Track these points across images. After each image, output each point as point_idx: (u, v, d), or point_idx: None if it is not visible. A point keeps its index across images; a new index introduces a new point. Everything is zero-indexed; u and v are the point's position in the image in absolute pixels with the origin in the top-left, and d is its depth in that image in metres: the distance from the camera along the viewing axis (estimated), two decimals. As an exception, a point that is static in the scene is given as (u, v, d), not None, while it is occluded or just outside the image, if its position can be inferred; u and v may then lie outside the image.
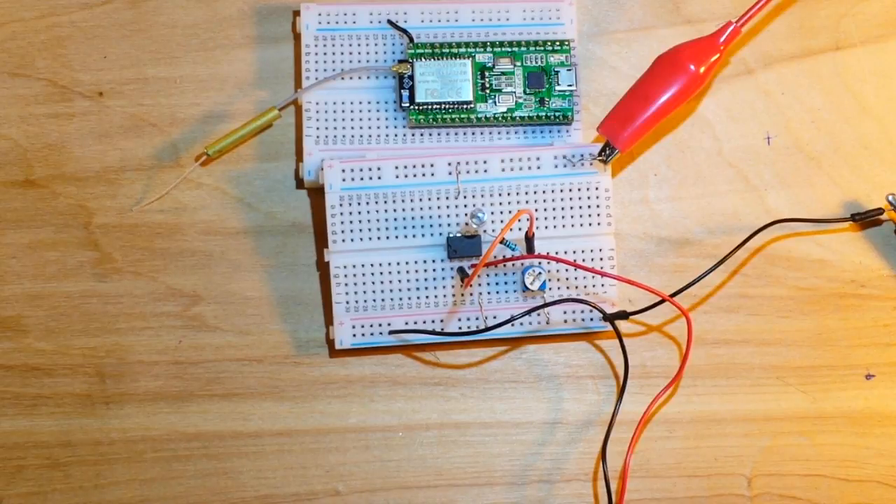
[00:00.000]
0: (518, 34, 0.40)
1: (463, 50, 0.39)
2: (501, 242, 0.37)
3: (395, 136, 0.40)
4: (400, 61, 0.39)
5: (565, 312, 0.39)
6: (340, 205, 0.38)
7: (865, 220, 0.40)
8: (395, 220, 0.38)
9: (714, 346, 0.40)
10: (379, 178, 0.38)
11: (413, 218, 0.38)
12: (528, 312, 0.38)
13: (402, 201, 0.38)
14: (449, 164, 0.38)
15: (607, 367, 0.40)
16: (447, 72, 0.39)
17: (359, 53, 0.40)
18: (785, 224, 0.40)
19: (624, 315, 0.38)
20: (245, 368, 0.40)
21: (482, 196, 0.39)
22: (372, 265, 0.38)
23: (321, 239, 0.40)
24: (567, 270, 0.39)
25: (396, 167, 0.38)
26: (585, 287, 0.39)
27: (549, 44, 0.40)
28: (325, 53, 0.40)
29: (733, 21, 0.38)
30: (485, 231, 0.38)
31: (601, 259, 0.39)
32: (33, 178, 0.40)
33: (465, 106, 0.39)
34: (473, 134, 0.40)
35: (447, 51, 0.39)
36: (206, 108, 0.41)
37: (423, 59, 0.39)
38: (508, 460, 0.40)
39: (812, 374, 0.40)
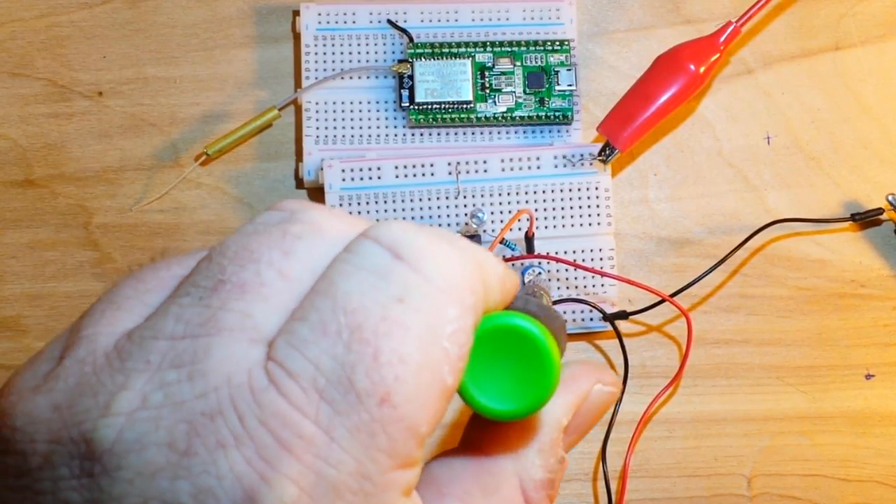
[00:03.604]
0: (518, 34, 0.40)
1: (463, 50, 0.39)
2: (501, 242, 0.37)
3: (395, 135, 0.40)
4: (400, 61, 0.39)
5: (565, 312, 0.39)
6: (340, 205, 0.38)
7: (865, 220, 0.40)
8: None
9: (714, 346, 0.40)
10: (379, 178, 0.38)
11: (413, 218, 0.38)
12: (528, 312, 0.38)
13: (402, 201, 0.38)
14: (449, 164, 0.38)
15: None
16: (447, 72, 0.39)
17: (358, 53, 0.40)
18: (785, 224, 0.40)
19: (624, 315, 0.38)
20: (245, 368, 0.40)
21: (482, 196, 0.39)
22: (372, 265, 0.38)
23: (321, 239, 0.40)
24: (567, 270, 0.39)
25: (396, 167, 0.38)
26: (585, 287, 0.39)
27: (548, 44, 0.40)
28: (324, 53, 0.40)
29: (733, 21, 0.38)
30: (485, 231, 0.38)
31: (601, 259, 0.39)
32: (33, 177, 0.40)
33: (464, 106, 0.39)
34: (473, 134, 0.40)
35: (447, 51, 0.39)
36: (205, 107, 0.41)
37: (423, 59, 0.39)
38: (508, 460, 0.40)
39: (812, 374, 0.40)
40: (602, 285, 0.39)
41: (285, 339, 0.17)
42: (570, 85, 0.39)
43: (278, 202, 0.19)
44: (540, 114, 0.39)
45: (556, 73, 0.40)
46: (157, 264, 0.19)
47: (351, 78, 0.40)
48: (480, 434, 0.22)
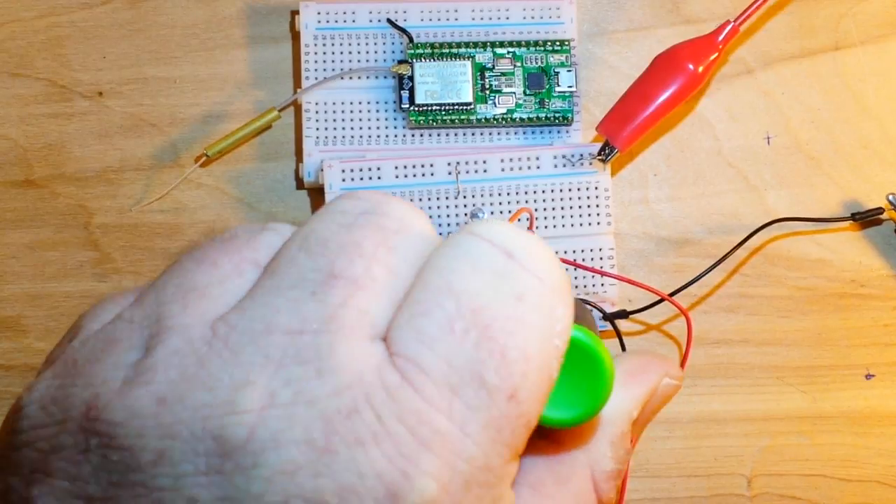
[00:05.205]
0: (518, 33, 0.40)
1: (463, 50, 0.39)
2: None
3: (395, 136, 0.40)
4: (400, 62, 0.39)
5: (565, 312, 0.39)
6: (340, 205, 0.38)
7: (865, 219, 0.40)
8: (395, 220, 0.38)
9: (714, 345, 0.40)
10: (379, 178, 0.38)
11: (413, 218, 0.38)
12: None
13: (402, 201, 0.38)
14: (448, 164, 0.38)
15: (607, 367, 0.40)
16: (447, 73, 0.39)
17: (358, 53, 0.40)
18: (784, 223, 0.40)
19: (624, 314, 0.38)
20: (245, 368, 0.40)
21: (482, 196, 0.39)
22: (372, 265, 0.38)
23: (321, 239, 0.40)
24: (567, 270, 0.39)
25: (396, 167, 0.38)
26: (585, 287, 0.39)
27: (549, 44, 0.40)
28: (324, 53, 0.40)
29: (731, 20, 0.38)
30: (484, 231, 0.38)
31: (601, 259, 0.39)
32: (33, 178, 0.40)
33: (464, 107, 0.39)
34: (473, 134, 0.40)
35: (447, 51, 0.39)
36: (205, 108, 0.41)
37: (423, 60, 0.39)
38: (508, 460, 0.40)
39: (812, 374, 0.40)
40: (602, 285, 0.39)
41: (412, 336, 0.17)
42: (570, 86, 0.39)
43: (350, 192, 0.19)
44: (540, 115, 0.39)
45: (557, 73, 0.39)
46: (225, 245, 0.19)
47: (351, 78, 0.40)
48: None
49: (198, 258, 0.19)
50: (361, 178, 0.38)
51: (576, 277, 0.39)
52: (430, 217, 0.38)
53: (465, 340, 0.17)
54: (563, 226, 0.39)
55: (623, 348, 0.38)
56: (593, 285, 0.39)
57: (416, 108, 0.39)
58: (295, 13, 0.40)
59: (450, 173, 0.38)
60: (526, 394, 0.17)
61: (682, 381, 0.24)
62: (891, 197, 0.40)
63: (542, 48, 0.40)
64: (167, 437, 0.16)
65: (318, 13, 0.40)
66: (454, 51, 0.39)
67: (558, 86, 0.39)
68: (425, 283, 0.18)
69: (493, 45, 0.40)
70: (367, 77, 0.40)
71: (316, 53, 0.39)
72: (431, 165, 0.38)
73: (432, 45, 0.39)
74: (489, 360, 0.17)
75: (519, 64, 0.40)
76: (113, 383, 0.17)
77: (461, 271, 0.18)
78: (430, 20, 0.40)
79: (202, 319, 0.17)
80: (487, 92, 0.39)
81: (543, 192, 0.39)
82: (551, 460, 0.21)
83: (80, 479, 0.16)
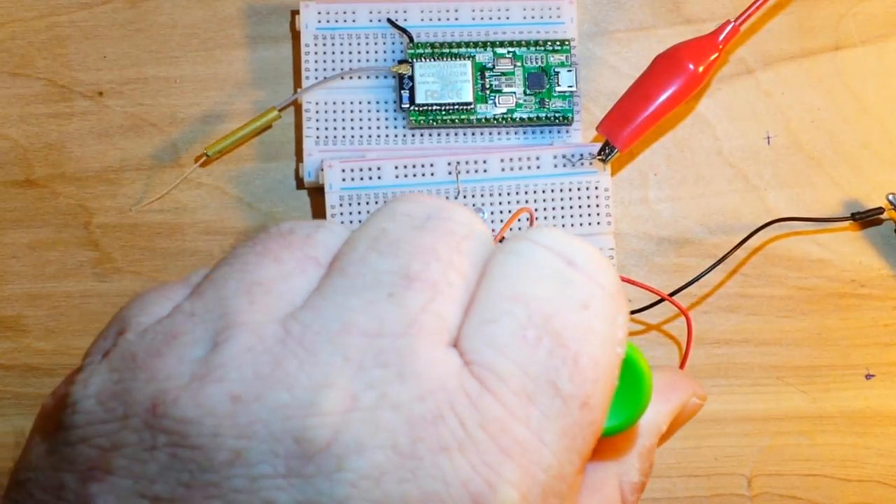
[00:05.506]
0: (518, 33, 0.40)
1: (463, 50, 0.39)
2: (501, 241, 0.37)
3: (395, 136, 0.40)
4: (400, 61, 0.39)
5: (565, 312, 0.39)
6: (340, 205, 0.38)
7: (865, 219, 0.40)
8: (395, 220, 0.38)
9: (714, 345, 0.40)
10: (379, 177, 0.38)
11: (413, 218, 0.38)
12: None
13: (402, 201, 0.38)
14: (449, 163, 0.38)
15: (607, 367, 0.40)
16: (447, 73, 0.39)
17: (359, 53, 0.40)
18: (785, 223, 0.40)
19: (624, 315, 0.38)
20: (245, 368, 0.40)
21: (482, 196, 0.39)
22: (372, 265, 0.38)
23: (321, 239, 0.40)
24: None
25: (396, 167, 0.38)
26: (585, 287, 0.39)
27: (549, 43, 0.40)
28: (324, 52, 0.40)
29: (732, 20, 0.38)
30: (484, 231, 0.38)
31: (601, 259, 0.39)
32: (33, 177, 0.40)
33: (465, 107, 0.39)
34: (473, 134, 0.40)
35: (447, 51, 0.39)
36: (205, 108, 0.41)
37: (423, 60, 0.39)
38: (508, 460, 0.40)
39: (812, 374, 0.40)
40: (602, 285, 0.39)
41: (485, 343, 0.17)
42: (570, 86, 0.39)
43: (404, 195, 0.19)
44: (540, 115, 0.39)
45: (557, 73, 0.39)
46: (285, 240, 0.18)
47: (351, 78, 0.40)
48: None
49: (258, 252, 0.18)
50: (361, 178, 0.38)
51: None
52: (430, 217, 0.38)
53: (539, 348, 0.17)
54: (563, 226, 0.39)
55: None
56: (593, 285, 0.39)
57: (417, 108, 0.39)
58: (295, 13, 0.40)
59: (450, 173, 0.38)
60: (596, 401, 0.17)
61: (705, 401, 0.24)
62: (891, 197, 0.40)
63: (543, 48, 0.40)
64: (244, 437, 0.16)
65: (319, 13, 0.40)
66: (454, 51, 0.39)
67: (558, 86, 0.39)
68: (491, 289, 0.18)
69: (493, 44, 0.40)
70: (367, 77, 0.40)
71: (316, 53, 0.39)
72: (431, 165, 0.38)
73: (432, 45, 0.39)
74: (563, 368, 0.17)
75: (519, 64, 0.40)
76: (179, 379, 0.16)
77: (527, 278, 0.18)
78: (431, 20, 0.40)
79: (271, 316, 0.17)
80: (487, 92, 0.39)
81: (543, 192, 0.39)
82: (585, 468, 0.21)
83: (145, 478, 0.16)
